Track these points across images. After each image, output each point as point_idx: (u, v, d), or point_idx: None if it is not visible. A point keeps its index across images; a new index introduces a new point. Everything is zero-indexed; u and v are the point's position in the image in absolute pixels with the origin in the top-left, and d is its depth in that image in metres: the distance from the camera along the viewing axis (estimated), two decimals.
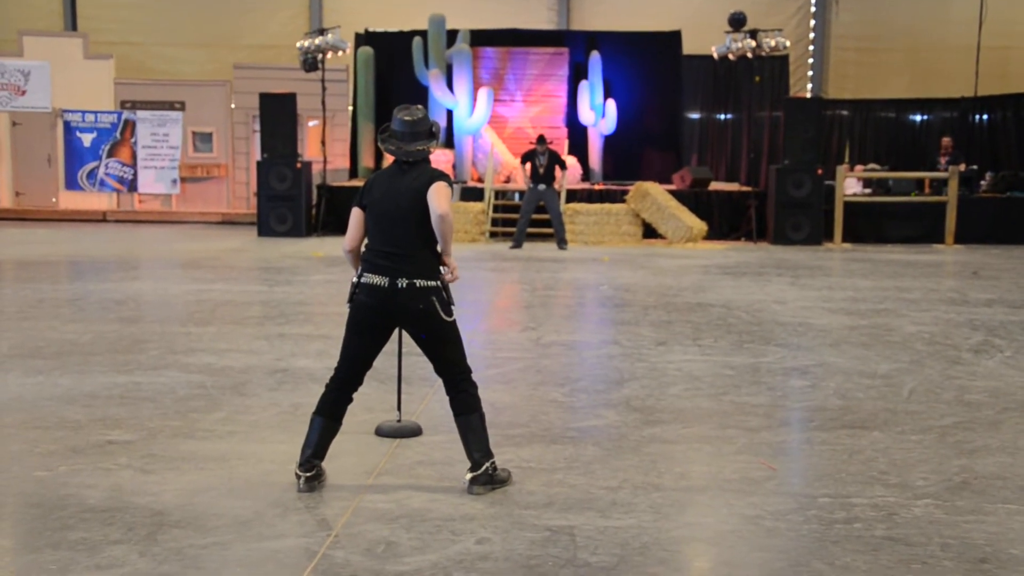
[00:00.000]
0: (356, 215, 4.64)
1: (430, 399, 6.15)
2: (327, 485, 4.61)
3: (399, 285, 4.43)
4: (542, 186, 15.29)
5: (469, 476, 4.55)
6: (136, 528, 4.09)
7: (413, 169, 4.56)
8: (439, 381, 4.73)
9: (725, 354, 7.70)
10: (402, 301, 4.45)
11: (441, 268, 4.59)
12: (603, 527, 4.15)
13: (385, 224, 4.51)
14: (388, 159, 18.06)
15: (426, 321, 4.49)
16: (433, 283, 4.48)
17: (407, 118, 4.59)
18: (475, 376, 4.67)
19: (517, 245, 15.42)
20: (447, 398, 4.65)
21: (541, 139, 15.43)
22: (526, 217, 15.57)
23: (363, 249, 4.63)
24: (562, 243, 15.47)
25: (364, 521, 4.20)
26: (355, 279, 4.56)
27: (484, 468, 4.53)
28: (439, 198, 4.43)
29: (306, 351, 7.63)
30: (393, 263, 4.45)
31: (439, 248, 4.59)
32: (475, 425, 4.58)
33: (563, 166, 15.76)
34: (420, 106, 4.74)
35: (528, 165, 15.40)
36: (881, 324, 9.06)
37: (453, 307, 4.60)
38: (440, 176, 4.52)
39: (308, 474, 4.54)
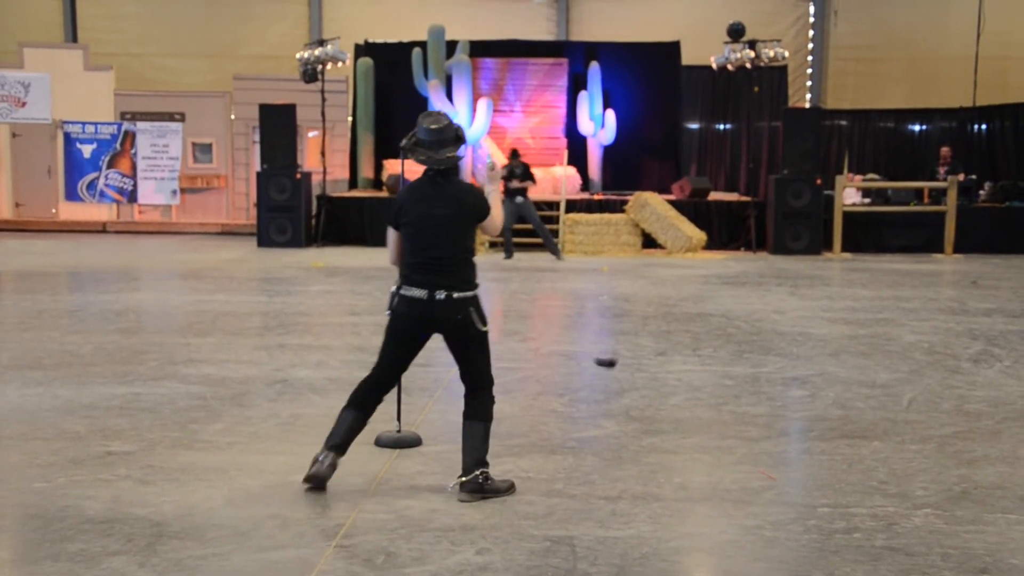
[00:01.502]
0: (392, 234, 4.76)
1: (430, 409, 6.14)
2: (327, 494, 4.61)
3: (437, 297, 4.55)
4: (519, 199, 15.42)
5: (459, 481, 4.60)
6: (135, 539, 4.08)
7: (446, 182, 4.66)
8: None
9: (725, 364, 7.70)
10: (440, 312, 4.57)
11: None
12: (603, 537, 4.15)
13: (424, 239, 4.61)
14: (389, 169, 18.15)
15: (463, 330, 4.62)
16: (470, 294, 4.62)
17: (433, 126, 4.65)
18: None
19: (509, 256, 15.55)
20: (461, 402, 4.71)
21: (515, 153, 15.86)
22: (510, 230, 15.68)
23: (403, 262, 4.72)
24: (556, 252, 15.55)
25: (363, 532, 4.19)
26: (394, 289, 4.67)
27: (473, 475, 4.58)
28: (494, 224, 4.78)
29: (306, 362, 7.63)
30: (431, 276, 4.57)
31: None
32: (477, 433, 4.64)
33: (533, 179, 15.93)
34: (442, 111, 4.80)
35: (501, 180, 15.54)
36: (880, 334, 9.06)
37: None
38: (483, 204, 4.72)
39: (327, 462, 4.62)
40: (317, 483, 4.63)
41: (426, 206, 4.62)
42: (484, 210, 4.72)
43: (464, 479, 4.58)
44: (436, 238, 4.59)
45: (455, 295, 4.56)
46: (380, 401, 4.79)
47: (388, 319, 4.72)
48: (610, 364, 6.83)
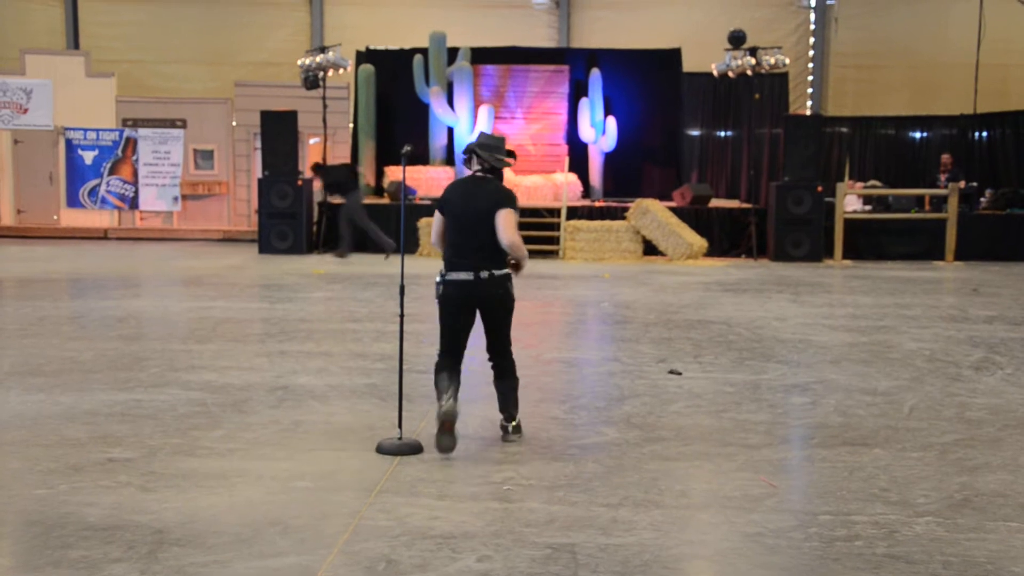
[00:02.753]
0: (438, 217, 5.61)
1: (431, 416, 6.14)
2: (327, 500, 4.61)
3: (483, 276, 5.41)
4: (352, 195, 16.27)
5: (510, 426, 5.65)
6: (137, 546, 4.08)
7: (488, 183, 5.51)
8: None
9: (726, 371, 7.70)
10: (485, 289, 5.43)
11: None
12: (604, 545, 4.15)
13: (466, 228, 5.44)
14: (391, 176, 18.18)
15: (501, 301, 5.51)
16: (506, 271, 5.50)
17: (492, 135, 5.72)
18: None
19: (344, 254, 16.11)
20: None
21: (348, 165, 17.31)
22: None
23: (445, 249, 5.54)
24: (389, 249, 15.85)
25: (365, 539, 4.19)
26: (439, 278, 5.49)
27: (518, 421, 5.69)
28: (506, 227, 5.36)
29: (307, 368, 7.63)
30: (474, 260, 5.40)
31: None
32: (511, 389, 5.65)
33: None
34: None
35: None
36: (881, 341, 9.07)
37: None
38: (507, 200, 5.43)
39: (450, 401, 5.34)
40: (451, 418, 5.29)
41: (469, 200, 5.47)
42: (506, 202, 5.40)
43: (514, 424, 5.65)
44: (478, 227, 5.39)
45: (496, 273, 5.42)
46: (460, 362, 5.53)
47: (438, 305, 5.51)
48: (678, 373, 7.65)
